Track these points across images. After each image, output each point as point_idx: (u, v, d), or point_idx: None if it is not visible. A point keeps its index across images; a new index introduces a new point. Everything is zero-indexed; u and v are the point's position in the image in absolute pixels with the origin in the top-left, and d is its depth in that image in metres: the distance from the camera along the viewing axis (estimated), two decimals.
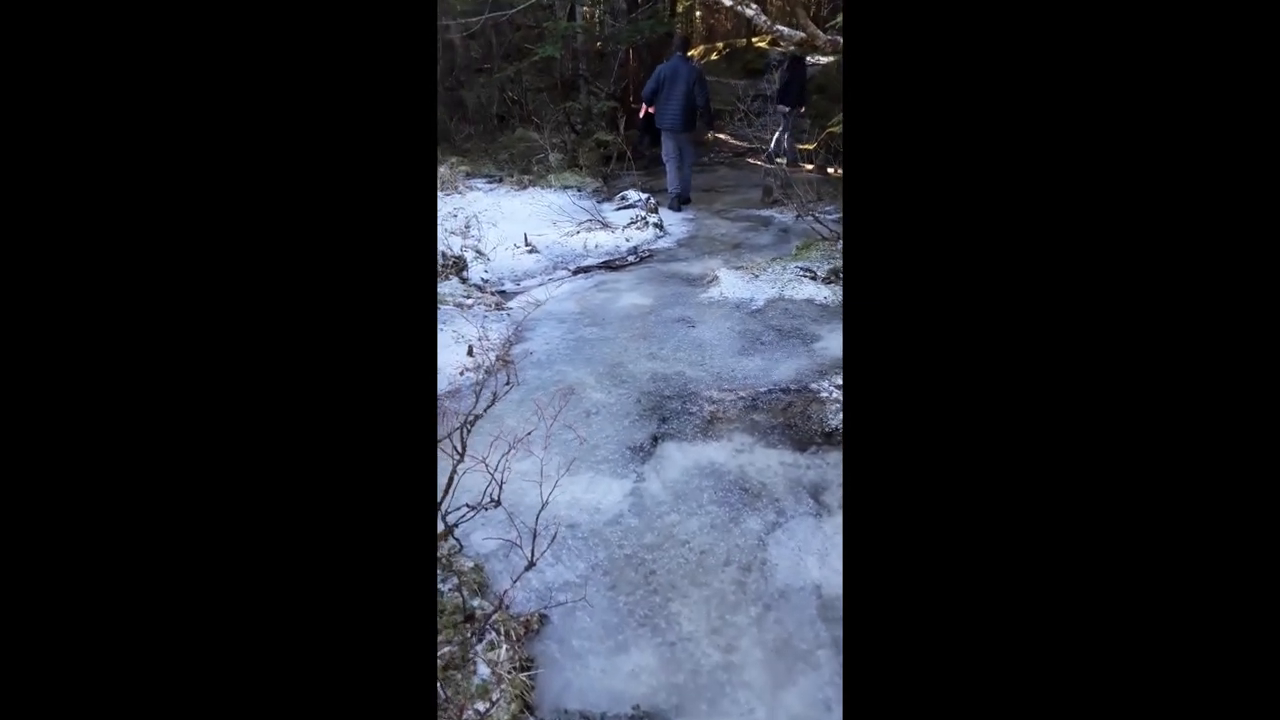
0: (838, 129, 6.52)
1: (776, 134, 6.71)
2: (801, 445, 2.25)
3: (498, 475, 1.55)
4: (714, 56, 11.37)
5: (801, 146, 6.72)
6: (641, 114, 5.55)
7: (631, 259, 4.32)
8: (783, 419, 2.40)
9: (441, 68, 6.68)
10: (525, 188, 5.69)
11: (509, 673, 1.39)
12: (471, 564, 1.69)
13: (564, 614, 1.59)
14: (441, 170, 5.59)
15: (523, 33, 7.25)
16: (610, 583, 1.69)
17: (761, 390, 2.59)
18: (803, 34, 4.17)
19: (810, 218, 4.37)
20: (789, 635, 1.54)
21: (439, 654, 1.37)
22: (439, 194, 5.00)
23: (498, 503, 1.58)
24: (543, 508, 1.62)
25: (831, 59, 8.69)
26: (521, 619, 1.54)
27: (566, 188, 5.69)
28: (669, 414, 2.44)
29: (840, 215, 4.30)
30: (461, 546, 1.71)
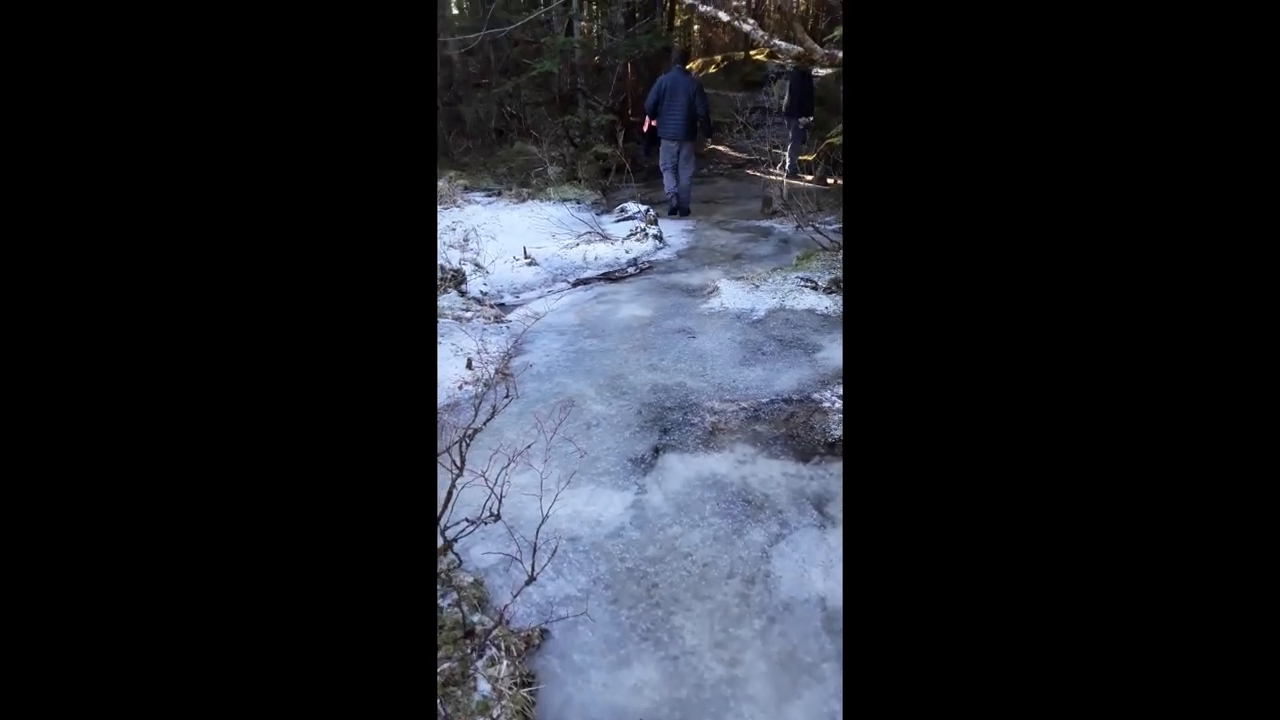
0: (837, 140, 6.55)
1: (789, 147, 6.57)
2: (804, 456, 2.24)
3: (497, 489, 1.54)
4: (712, 69, 11.46)
5: (802, 158, 6.76)
6: (645, 127, 5.60)
7: (631, 270, 4.33)
8: (785, 429, 2.39)
9: (439, 83, 6.73)
10: (524, 201, 5.71)
11: (510, 688, 1.37)
12: (471, 579, 1.68)
13: (565, 628, 1.57)
14: (440, 184, 5.62)
15: (521, 48, 7.32)
16: (612, 596, 1.67)
17: (763, 401, 2.58)
18: (800, 48, 4.20)
19: (810, 228, 4.38)
20: (793, 648, 1.52)
21: (439, 670, 1.35)
22: (437, 208, 5.02)
23: (497, 517, 1.57)
24: (543, 521, 1.61)
25: (829, 71, 8.76)
26: (522, 634, 1.53)
27: (565, 200, 5.72)
28: (670, 425, 2.43)
29: (840, 225, 4.32)
30: (461, 561, 1.70)
